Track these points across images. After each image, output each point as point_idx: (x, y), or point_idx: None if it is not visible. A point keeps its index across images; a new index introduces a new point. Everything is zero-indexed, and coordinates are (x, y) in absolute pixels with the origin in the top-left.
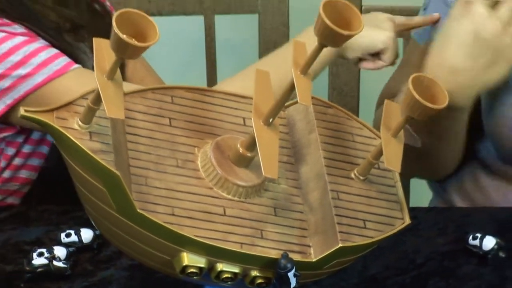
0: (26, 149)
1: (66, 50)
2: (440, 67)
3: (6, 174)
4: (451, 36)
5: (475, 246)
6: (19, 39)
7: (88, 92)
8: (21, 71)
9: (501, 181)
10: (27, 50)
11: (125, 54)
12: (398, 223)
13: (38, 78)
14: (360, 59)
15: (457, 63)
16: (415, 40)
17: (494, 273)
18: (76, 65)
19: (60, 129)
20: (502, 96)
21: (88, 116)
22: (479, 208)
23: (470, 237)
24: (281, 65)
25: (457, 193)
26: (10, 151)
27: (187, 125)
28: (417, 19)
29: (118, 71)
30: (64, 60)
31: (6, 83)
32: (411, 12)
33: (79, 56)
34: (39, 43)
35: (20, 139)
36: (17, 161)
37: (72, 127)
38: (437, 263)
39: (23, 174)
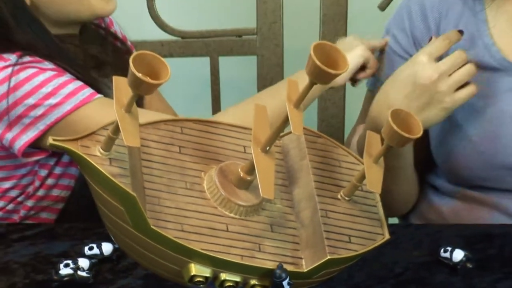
0: (57, 170)
1: (91, 83)
2: (382, 104)
3: (40, 192)
4: (395, 78)
5: (446, 258)
6: (49, 73)
7: (108, 123)
8: (52, 100)
9: (452, 201)
10: (56, 82)
11: (140, 90)
12: (379, 238)
13: (67, 107)
14: (351, 79)
15: (395, 101)
16: (373, 93)
17: (463, 282)
18: (99, 95)
19: (84, 155)
20: (451, 131)
21: (108, 144)
22: (450, 224)
23: (442, 250)
24: (271, 100)
25: (415, 216)
26: (43, 172)
27: (194, 152)
28: (375, 41)
29: (135, 105)
30: (88, 90)
31: (39, 111)
32: None
33: (103, 89)
34: (67, 76)
35: (51, 162)
36: (50, 181)
37: (94, 154)
38: (413, 273)
39: (55, 192)
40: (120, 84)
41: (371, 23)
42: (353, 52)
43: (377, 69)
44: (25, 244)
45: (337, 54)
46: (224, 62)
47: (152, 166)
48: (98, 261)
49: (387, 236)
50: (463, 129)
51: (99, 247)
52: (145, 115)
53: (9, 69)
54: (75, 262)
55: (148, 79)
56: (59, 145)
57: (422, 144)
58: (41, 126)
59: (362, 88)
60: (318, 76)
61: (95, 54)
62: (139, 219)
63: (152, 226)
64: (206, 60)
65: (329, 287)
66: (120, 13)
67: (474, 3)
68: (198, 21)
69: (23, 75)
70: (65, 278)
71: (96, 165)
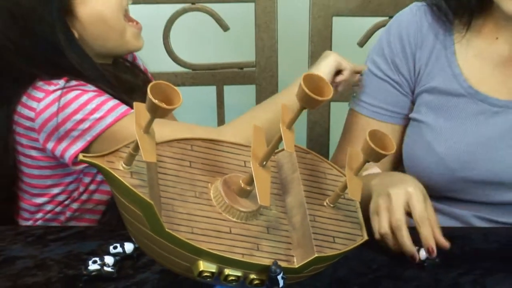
0: (99, 178)
1: (124, 102)
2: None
3: (84, 196)
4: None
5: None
6: (92, 94)
7: (130, 142)
8: (96, 115)
9: None
10: (98, 100)
11: (157, 114)
12: (359, 239)
13: (109, 119)
14: (332, 82)
15: None
16: (356, 111)
17: (430, 276)
18: (133, 110)
19: (109, 169)
20: (423, 148)
21: (130, 160)
22: None
23: None
24: (264, 114)
25: None
26: (87, 179)
27: (202, 166)
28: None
29: (152, 126)
30: (124, 107)
31: (86, 125)
32: None
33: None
34: (106, 96)
35: (94, 170)
36: (92, 187)
37: (118, 168)
38: (388, 268)
39: (96, 196)
40: (140, 109)
41: (351, 56)
42: (326, 60)
43: (357, 88)
44: (60, 244)
45: (323, 83)
46: (228, 90)
47: (167, 178)
48: (121, 259)
49: (365, 237)
50: (432, 147)
51: (122, 246)
52: (174, 125)
53: (58, 92)
54: (102, 259)
55: (163, 105)
56: (88, 161)
57: (395, 159)
58: (88, 137)
59: (344, 111)
60: (307, 102)
61: (126, 80)
62: (156, 223)
63: (167, 229)
64: (212, 89)
65: (317, 281)
66: (141, 49)
67: (445, 38)
68: (206, 55)
69: (70, 95)
70: (93, 273)
71: (119, 178)
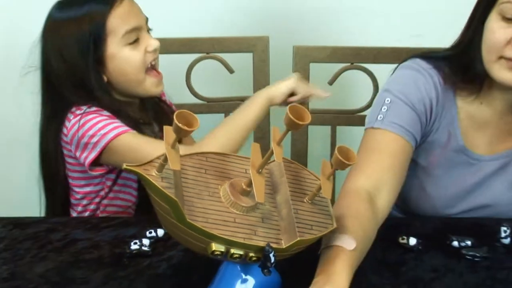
0: (120, 181)
1: (132, 127)
2: None
3: (110, 195)
4: None
5: None
6: (103, 117)
7: (161, 155)
8: (102, 131)
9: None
10: (106, 122)
11: (180, 134)
12: (330, 227)
13: (110, 135)
14: (287, 101)
15: None
16: (387, 131)
17: (379, 253)
18: (133, 130)
19: (145, 175)
20: (414, 187)
21: (161, 168)
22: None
23: None
24: (240, 116)
25: None
26: (109, 182)
27: (215, 173)
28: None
29: (177, 143)
30: (124, 127)
31: (95, 139)
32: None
33: (146, 133)
34: (113, 120)
35: (112, 176)
36: (116, 188)
37: (152, 174)
38: None
39: (122, 196)
40: (168, 131)
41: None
42: (286, 82)
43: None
44: (109, 230)
45: (303, 112)
46: None
47: (188, 182)
48: (155, 241)
49: (335, 225)
50: (424, 188)
51: (156, 231)
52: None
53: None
54: (140, 241)
55: (185, 127)
56: (130, 169)
57: (398, 183)
58: (98, 148)
59: (317, 133)
60: (292, 125)
61: (152, 110)
62: (180, 215)
63: (188, 220)
64: (222, 116)
65: (299, 257)
66: (169, 87)
67: (450, 97)
68: (217, 91)
69: (88, 117)
70: (134, 251)
71: (153, 181)
